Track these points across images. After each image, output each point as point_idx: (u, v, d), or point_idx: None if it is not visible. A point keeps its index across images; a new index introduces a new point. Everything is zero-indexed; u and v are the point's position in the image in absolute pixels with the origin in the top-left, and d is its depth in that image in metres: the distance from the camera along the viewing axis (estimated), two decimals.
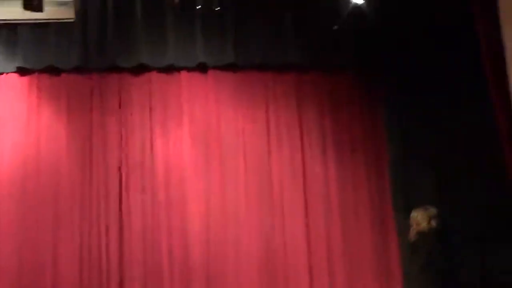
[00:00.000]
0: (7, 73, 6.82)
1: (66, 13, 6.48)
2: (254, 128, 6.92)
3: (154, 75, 6.95)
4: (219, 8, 6.64)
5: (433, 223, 6.06)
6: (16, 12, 6.32)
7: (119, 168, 6.73)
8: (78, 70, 6.84)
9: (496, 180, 5.89)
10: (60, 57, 6.76)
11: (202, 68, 6.95)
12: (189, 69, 6.95)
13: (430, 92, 6.67)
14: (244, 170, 6.79)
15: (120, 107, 6.88)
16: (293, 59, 6.91)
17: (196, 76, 6.97)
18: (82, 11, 6.62)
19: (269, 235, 6.63)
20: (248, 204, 6.70)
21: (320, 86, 7.07)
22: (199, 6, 6.63)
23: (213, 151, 6.83)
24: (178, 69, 6.94)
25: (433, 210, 6.11)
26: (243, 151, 6.85)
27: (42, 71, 6.84)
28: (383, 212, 6.85)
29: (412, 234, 6.11)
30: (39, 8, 5.99)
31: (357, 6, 6.36)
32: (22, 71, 6.83)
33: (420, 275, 5.92)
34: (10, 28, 6.72)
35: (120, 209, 6.64)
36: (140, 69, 6.90)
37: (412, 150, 6.71)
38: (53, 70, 6.85)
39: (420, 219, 6.08)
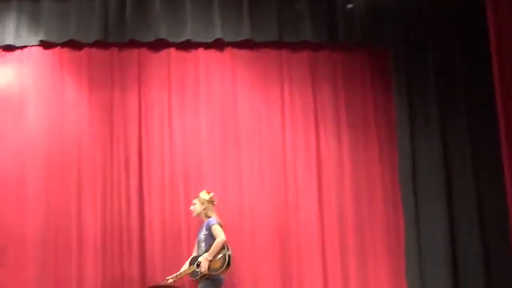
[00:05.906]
0: (31, 46, 6.97)
1: None
2: (268, 107, 7.10)
3: (172, 52, 7.09)
4: None
5: None
6: None
7: (139, 140, 6.94)
8: (98, 44, 6.99)
9: None
10: (81, 30, 6.90)
11: (219, 44, 7.06)
12: (206, 47, 7.07)
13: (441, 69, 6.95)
14: (258, 148, 6.98)
15: (139, 81, 7.03)
16: (308, 36, 6.99)
17: (213, 53, 7.11)
18: None
19: (283, 212, 6.85)
20: (262, 181, 6.92)
21: (334, 64, 7.18)
22: None
23: (228, 129, 7.03)
24: (196, 45, 7.05)
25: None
26: (258, 131, 7.03)
27: (64, 44, 6.99)
28: (394, 189, 7.00)
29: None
30: None
31: None
32: (45, 45, 6.98)
33: None
34: (34, 1, 6.89)
35: (140, 178, 6.86)
36: (159, 45, 7.03)
37: (420, 127, 6.93)
38: (74, 44, 6.99)
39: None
